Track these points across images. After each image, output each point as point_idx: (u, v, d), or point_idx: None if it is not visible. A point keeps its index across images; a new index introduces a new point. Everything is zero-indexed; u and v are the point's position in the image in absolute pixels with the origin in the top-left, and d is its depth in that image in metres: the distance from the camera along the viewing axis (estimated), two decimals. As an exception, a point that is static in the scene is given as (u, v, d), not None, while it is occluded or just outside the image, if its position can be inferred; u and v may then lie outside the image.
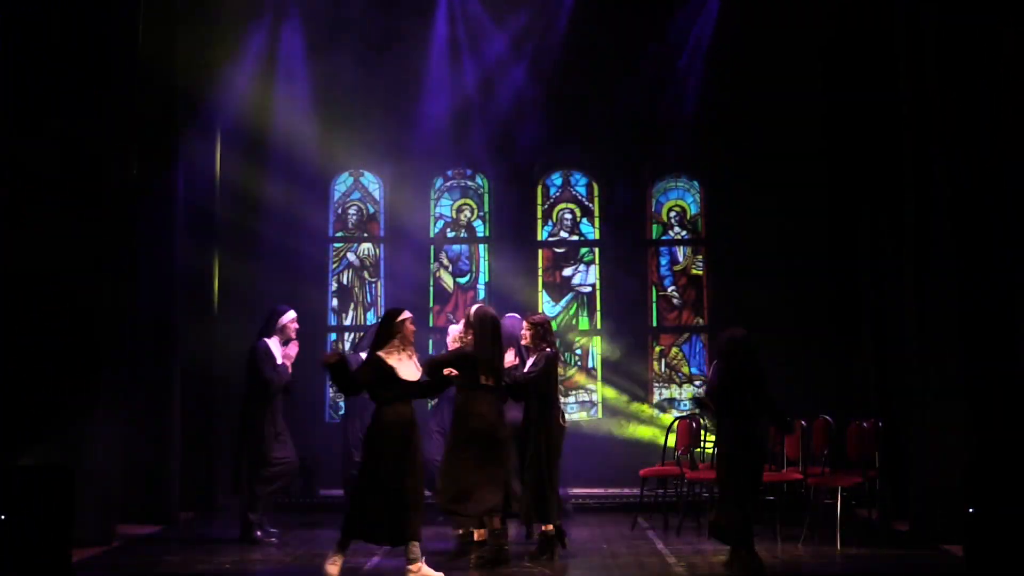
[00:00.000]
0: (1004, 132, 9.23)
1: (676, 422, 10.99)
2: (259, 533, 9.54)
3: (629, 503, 11.48)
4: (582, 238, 13.98)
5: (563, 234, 13.98)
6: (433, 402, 10.48)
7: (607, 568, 8.52)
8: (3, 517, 7.66)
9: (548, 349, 8.84)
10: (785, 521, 9.56)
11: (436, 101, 13.56)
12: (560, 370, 10.62)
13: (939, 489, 9.18)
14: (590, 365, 13.72)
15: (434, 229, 13.93)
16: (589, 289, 13.88)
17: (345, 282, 13.88)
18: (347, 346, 13.47)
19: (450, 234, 14.00)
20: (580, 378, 13.66)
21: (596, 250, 13.93)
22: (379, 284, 13.86)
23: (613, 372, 13.44)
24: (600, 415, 13.49)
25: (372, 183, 14.02)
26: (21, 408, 9.13)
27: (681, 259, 13.90)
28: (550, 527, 8.68)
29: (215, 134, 12.47)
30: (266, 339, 9.70)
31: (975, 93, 9.41)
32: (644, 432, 13.14)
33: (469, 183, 14.07)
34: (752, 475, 8.24)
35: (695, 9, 13.55)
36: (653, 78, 13.48)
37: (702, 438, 11.01)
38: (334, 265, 13.86)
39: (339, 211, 13.98)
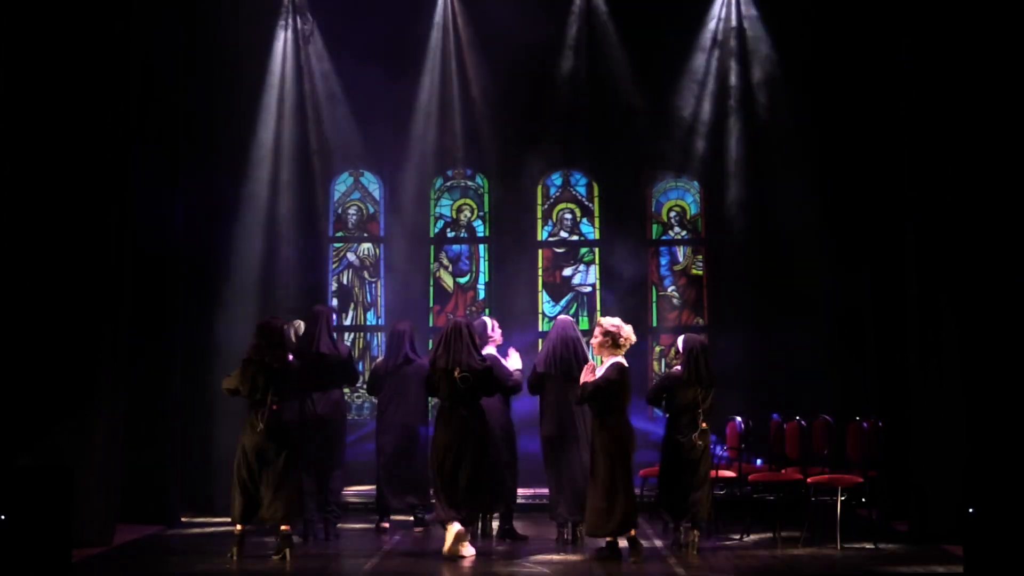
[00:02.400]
0: (1008, 127, 9.24)
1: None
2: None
3: (629, 503, 11.43)
4: (582, 238, 13.96)
5: (563, 234, 13.97)
6: None
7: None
8: (3, 517, 7.66)
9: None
10: (785, 521, 9.57)
11: (437, 100, 13.54)
12: None
13: (939, 489, 9.18)
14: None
15: (434, 229, 13.92)
16: (589, 289, 13.87)
17: (345, 282, 13.87)
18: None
19: (450, 234, 13.99)
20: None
21: (596, 250, 13.91)
22: (379, 284, 13.85)
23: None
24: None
25: (372, 183, 14.01)
26: (21, 408, 9.13)
27: (681, 259, 13.89)
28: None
29: (215, 134, 12.46)
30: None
31: (978, 90, 9.41)
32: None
33: (469, 183, 14.06)
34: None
35: (699, 11, 13.52)
36: (654, 78, 13.46)
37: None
38: (334, 265, 13.85)
39: (339, 211, 13.96)
